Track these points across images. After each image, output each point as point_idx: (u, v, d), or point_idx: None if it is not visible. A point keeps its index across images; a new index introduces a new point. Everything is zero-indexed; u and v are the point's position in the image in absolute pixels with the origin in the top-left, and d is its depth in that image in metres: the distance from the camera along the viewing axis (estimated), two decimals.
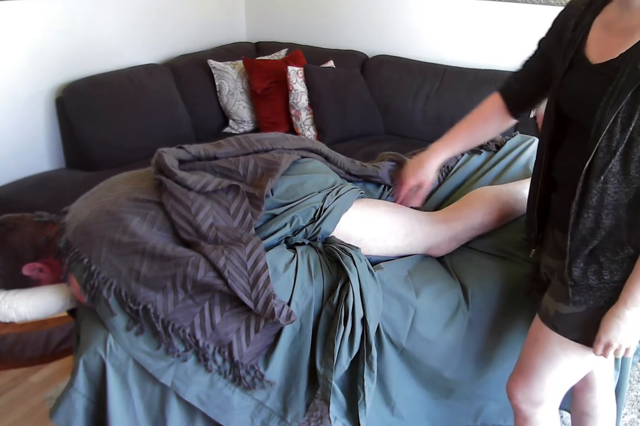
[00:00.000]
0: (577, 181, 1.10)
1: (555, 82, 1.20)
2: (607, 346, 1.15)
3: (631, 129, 1.03)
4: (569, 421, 1.79)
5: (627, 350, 1.16)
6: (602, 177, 1.07)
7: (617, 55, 1.06)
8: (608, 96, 1.04)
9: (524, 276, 1.52)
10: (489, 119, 1.49)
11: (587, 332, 1.19)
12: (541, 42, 1.33)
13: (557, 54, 1.22)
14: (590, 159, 1.07)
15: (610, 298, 1.14)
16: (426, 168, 1.57)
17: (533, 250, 1.41)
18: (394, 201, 1.67)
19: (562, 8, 1.26)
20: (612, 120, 1.03)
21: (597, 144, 1.06)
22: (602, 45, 1.12)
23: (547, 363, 1.27)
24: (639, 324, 1.12)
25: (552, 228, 1.31)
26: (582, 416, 1.54)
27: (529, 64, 1.38)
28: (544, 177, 1.28)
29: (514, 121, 1.48)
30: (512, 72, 1.44)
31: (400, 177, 1.64)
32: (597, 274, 1.14)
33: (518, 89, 1.41)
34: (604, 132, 1.04)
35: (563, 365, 1.26)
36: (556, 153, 1.26)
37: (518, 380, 1.34)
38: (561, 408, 1.59)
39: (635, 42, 1.04)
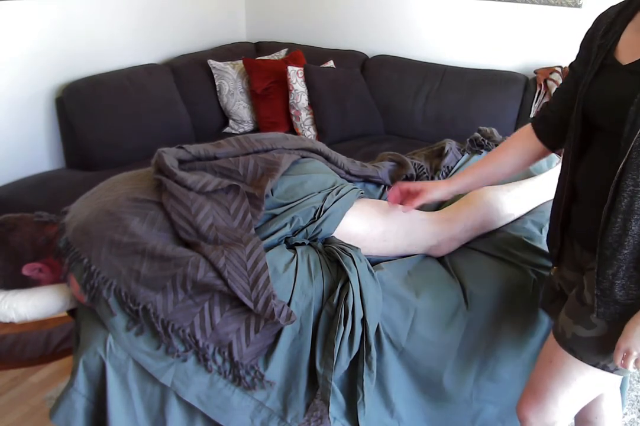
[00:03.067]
0: (601, 192, 1.06)
1: (581, 91, 1.15)
2: (627, 354, 1.09)
3: None
4: None
5: None
6: (634, 180, 1.02)
7: None
8: None
9: (524, 277, 1.52)
10: (509, 150, 1.38)
11: (606, 357, 1.15)
12: (572, 63, 1.26)
13: (586, 66, 1.17)
14: (624, 160, 1.02)
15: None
16: (431, 190, 1.48)
17: (554, 267, 1.36)
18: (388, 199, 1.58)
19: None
20: None
21: (632, 144, 1.01)
22: (633, 46, 1.08)
23: (562, 386, 1.22)
24: None
25: (571, 241, 1.27)
26: (585, 424, 1.51)
27: (562, 87, 1.29)
28: (568, 190, 1.23)
29: (549, 153, 1.37)
30: (545, 103, 1.34)
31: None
32: (625, 289, 1.08)
33: (551, 117, 1.31)
34: (638, 131, 0.99)
35: (579, 387, 1.21)
36: (579, 165, 1.20)
37: (531, 403, 1.28)
38: None
39: None
